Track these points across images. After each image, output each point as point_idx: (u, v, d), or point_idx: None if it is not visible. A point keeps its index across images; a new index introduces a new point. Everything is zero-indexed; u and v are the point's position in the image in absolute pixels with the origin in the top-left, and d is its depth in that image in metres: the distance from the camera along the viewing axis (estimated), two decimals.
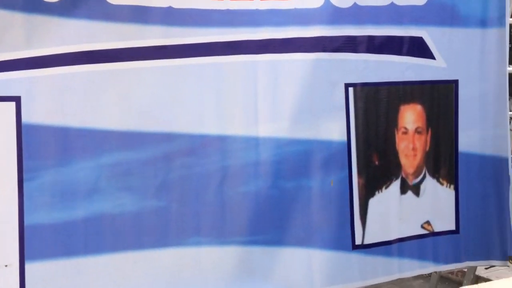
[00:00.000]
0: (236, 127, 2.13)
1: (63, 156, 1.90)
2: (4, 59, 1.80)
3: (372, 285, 2.42)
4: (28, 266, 1.85)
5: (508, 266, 2.61)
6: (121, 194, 1.97)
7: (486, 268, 2.89)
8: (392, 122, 2.41)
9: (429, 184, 2.50)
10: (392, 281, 5.73)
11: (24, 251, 1.86)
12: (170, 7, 2.00)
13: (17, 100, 1.82)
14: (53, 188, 1.88)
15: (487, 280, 4.15)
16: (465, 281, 4.12)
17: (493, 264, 2.65)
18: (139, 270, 2.00)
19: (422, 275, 5.74)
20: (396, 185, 2.43)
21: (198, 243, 2.07)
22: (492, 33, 2.54)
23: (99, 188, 1.94)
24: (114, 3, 1.93)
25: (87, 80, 1.92)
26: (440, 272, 4.06)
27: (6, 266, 1.85)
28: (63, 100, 1.89)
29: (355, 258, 2.35)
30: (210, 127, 2.09)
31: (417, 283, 5.58)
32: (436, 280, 4.13)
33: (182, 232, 2.05)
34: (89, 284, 1.94)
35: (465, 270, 4.33)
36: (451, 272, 5.25)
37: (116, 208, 1.96)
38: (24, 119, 1.84)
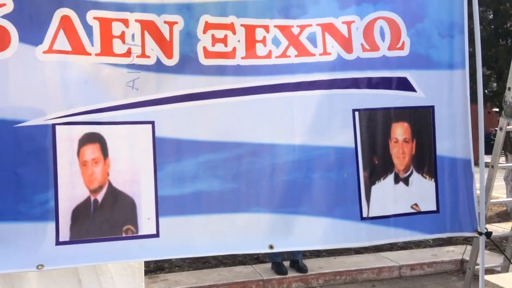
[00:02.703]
0: (280, 138, 3.16)
1: (177, 156, 2.97)
2: (145, 99, 2.94)
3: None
4: (161, 219, 2.88)
5: (476, 236, 3.56)
6: (211, 180, 2.98)
7: (465, 239, 3.78)
8: (386, 135, 3.28)
9: (416, 178, 3.33)
10: (437, 282, 6.47)
11: (158, 211, 2.87)
12: (238, 65, 3.09)
13: (152, 123, 2.88)
14: (173, 175, 2.93)
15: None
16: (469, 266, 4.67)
17: (466, 235, 3.59)
18: (226, 226, 3.06)
19: (462, 277, 6.11)
20: (390, 178, 3.29)
21: (258, 211, 3.11)
22: (457, 73, 3.38)
23: (199, 175, 2.97)
24: (205, 64, 2.97)
25: (189, 111, 3.02)
26: (473, 270, 4.64)
27: (148, 219, 2.87)
28: (177, 123, 2.99)
29: (363, 226, 3.23)
30: (264, 138, 3.13)
31: (460, 284, 6.13)
32: (470, 277, 4.74)
33: (248, 204, 3.04)
34: (198, 233, 3.00)
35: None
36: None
37: (209, 188, 3.01)
38: (157, 134, 2.88)
